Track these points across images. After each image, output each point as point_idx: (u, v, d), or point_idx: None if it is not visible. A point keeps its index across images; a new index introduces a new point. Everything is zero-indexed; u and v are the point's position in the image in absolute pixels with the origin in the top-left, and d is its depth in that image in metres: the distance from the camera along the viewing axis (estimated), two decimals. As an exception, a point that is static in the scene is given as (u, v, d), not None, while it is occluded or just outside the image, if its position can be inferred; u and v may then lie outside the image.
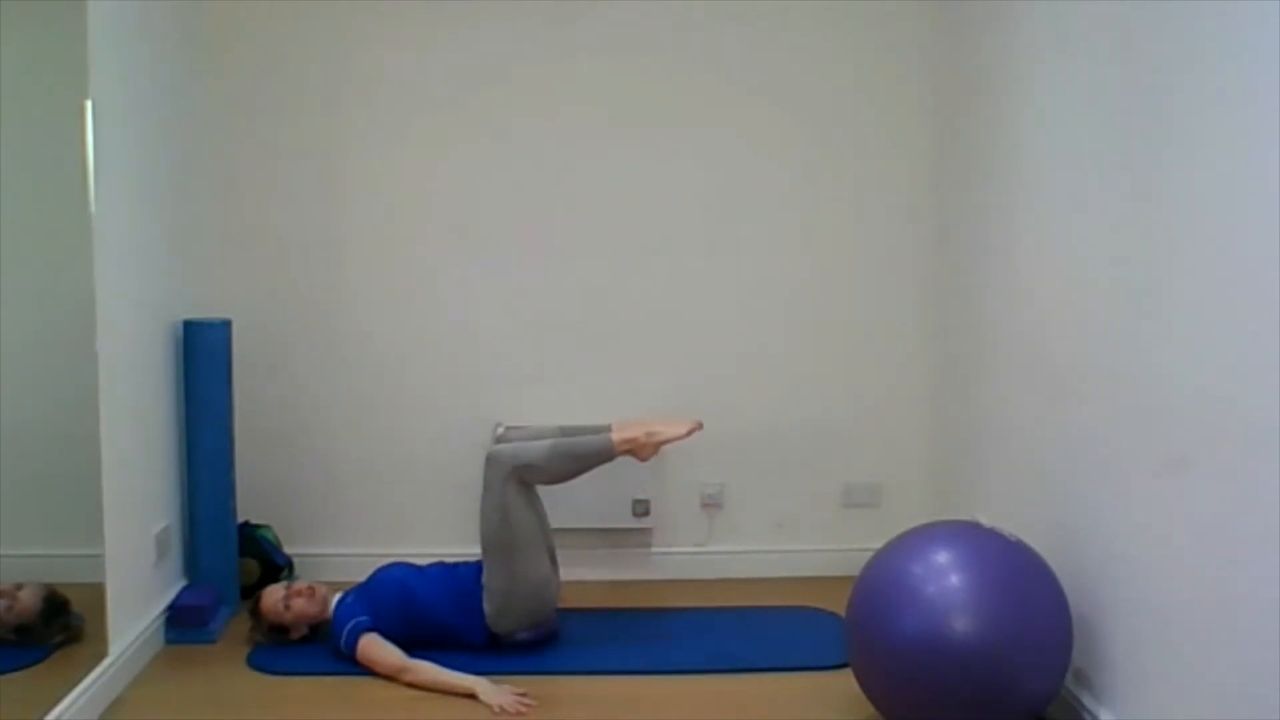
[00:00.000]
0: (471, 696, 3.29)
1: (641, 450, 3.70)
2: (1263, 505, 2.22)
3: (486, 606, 3.59)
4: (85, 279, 3.15)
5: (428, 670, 3.39)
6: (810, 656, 3.57)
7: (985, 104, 3.77)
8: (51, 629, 3.05)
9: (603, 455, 3.65)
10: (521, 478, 3.59)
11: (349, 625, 3.50)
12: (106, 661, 3.25)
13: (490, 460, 3.62)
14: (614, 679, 3.45)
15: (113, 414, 3.27)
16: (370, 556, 3.89)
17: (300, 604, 3.61)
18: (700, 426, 3.76)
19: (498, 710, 3.22)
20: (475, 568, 3.68)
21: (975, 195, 3.88)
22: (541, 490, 3.72)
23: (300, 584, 3.68)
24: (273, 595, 3.65)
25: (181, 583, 3.90)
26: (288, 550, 4.16)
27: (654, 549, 4.33)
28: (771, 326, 4.30)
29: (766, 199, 4.25)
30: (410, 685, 3.37)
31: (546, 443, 3.63)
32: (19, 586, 2.96)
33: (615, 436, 3.64)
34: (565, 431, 3.77)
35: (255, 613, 3.65)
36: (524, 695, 3.28)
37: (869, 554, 3.12)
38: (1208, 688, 2.45)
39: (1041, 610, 2.86)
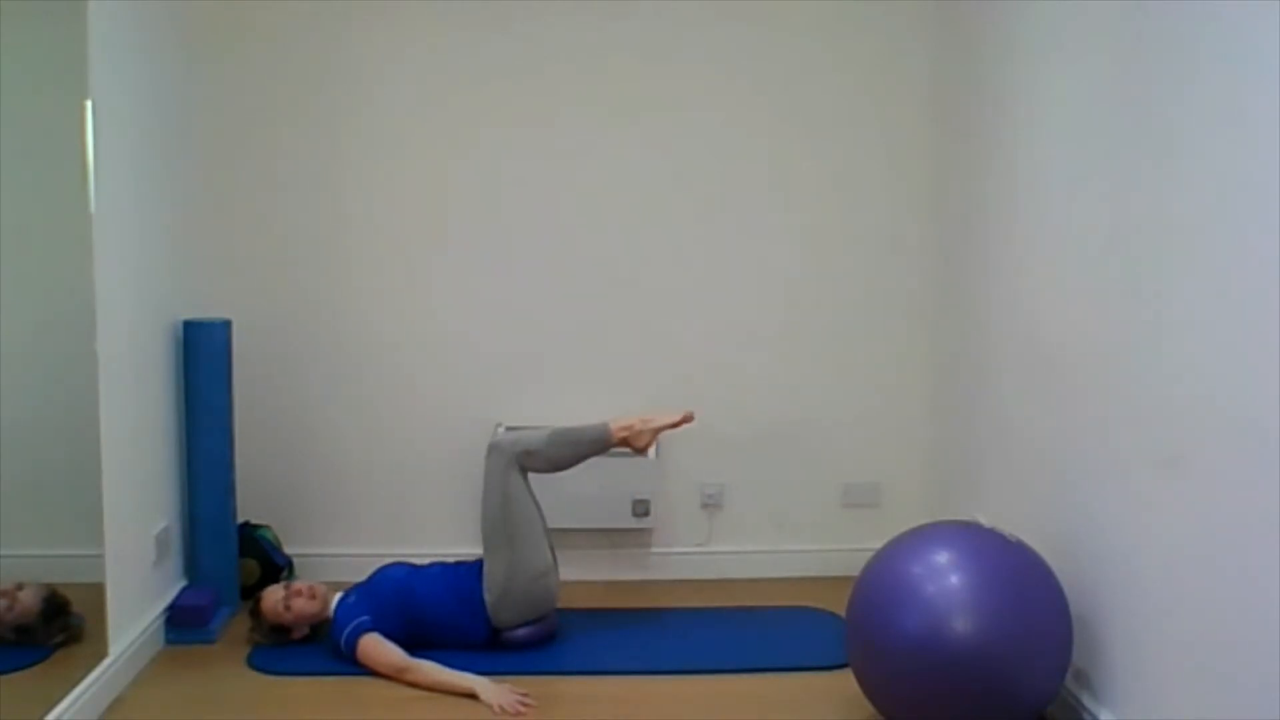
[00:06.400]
0: (472, 696, 3.29)
1: (638, 439, 3.74)
2: (1263, 505, 2.22)
3: (487, 596, 3.61)
4: (85, 279, 3.16)
5: (428, 670, 3.39)
6: (810, 656, 3.57)
7: (985, 102, 3.77)
8: (51, 629, 3.05)
9: (600, 442, 3.69)
10: (523, 465, 3.64)
11: (349, 626, 3.50)
12: (106, 661, 3.25)
13: (492, 449, 3.66)
14: (614, 679, 3.45)
15: (113, 414, 3.27)
16: (370, 556, 3.89)
17: (301, 604, 3.61)
18: (692, 416, 3.80)
19: (498, 710, 3.23)
20: (475, 566, 3.69)
21: (975, 196, 3.88)
22: (543, 490, 3.73)
23: (300, 584, 3.68)
24: (273, 596, 3.65)
25: (181, 583, 3.90)
26: (288, 550, 4.16)
27: (654, 549, 4.33)
28: (771, 327, 4.30)
29: (766, 200, 4.25)
30: (411, 685, 3.38)
31: (546, 431, 3.68)
32: (19, 586, 2.96)
33: (613, 425, 3.69)
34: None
35: (256, 613, 3.65)
36: (525, 695, 3.29)
37: (869, 554, 3.12)
38: (1208, 688, 2.45)
39: (1041, 610, 2.87)
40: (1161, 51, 2.63)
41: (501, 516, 3.62)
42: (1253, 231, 2.26)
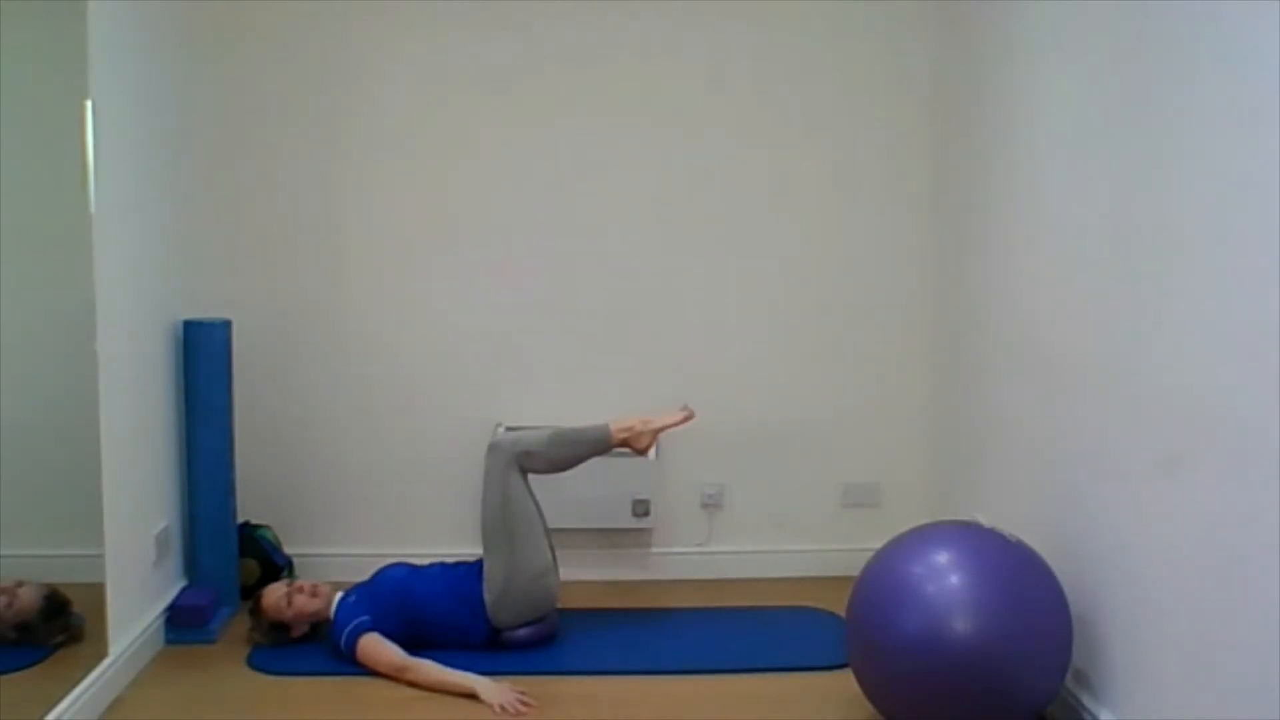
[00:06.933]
0: (472, 696, 3.29)
1: (638, 440, 3.75)
2: (1262, 504, 2.22)
3: (487, 596, 3.61)
4: (85, 279, 3.15)
5: (428, 669, 3.39)
6: (810, 656, 3.57)
7: (985, 102, 3.77)
8: (52, 628, 3.05)
9: (600, 443, 3.70)
10: (522, 465, 3.64)
11: (349, 625, 3.50)
12: (106, 661, 3.25)
13: (492, 448, 3.66)
14: (614, 679, 3.45)
15: (113, 414, 3.27)
16: (370, 556, 3.89)
17: (302, 601, 3.62)
18: (692, 414, 3.81)
19: (498, 710, 3.22)
20: (475, 567, 3.69)
21: (974, 195, 3.88)
22: (543, 490, 3.73)
23: (303, 582, 3.70)
24: (274, 593, 3.65)
25: (181, 583, 3.90)
26: (288, 550, 4.16)
27: (654, 549, 4.33)
28: (771, 327, 4.30)
29: (765, 199, 4.25)
30: (411, 684, 3.37)
31: (546, 431, 3.69)
32: (19, 584, 2.97)
33: (613, 426, 3.70)
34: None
35: (256, 611, 3.65)
36: (524, 694, 3.28)
37: (869, 554, 3.12)
38: (1208, 687, 2.45)
39: (1041, 610, 2.87)
40: (1161, 51, 2.63)
41: (501, 516, 3.62)
42: (1253, 231, 2.26)
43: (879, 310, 4.30)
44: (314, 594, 3.64)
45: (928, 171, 4.24)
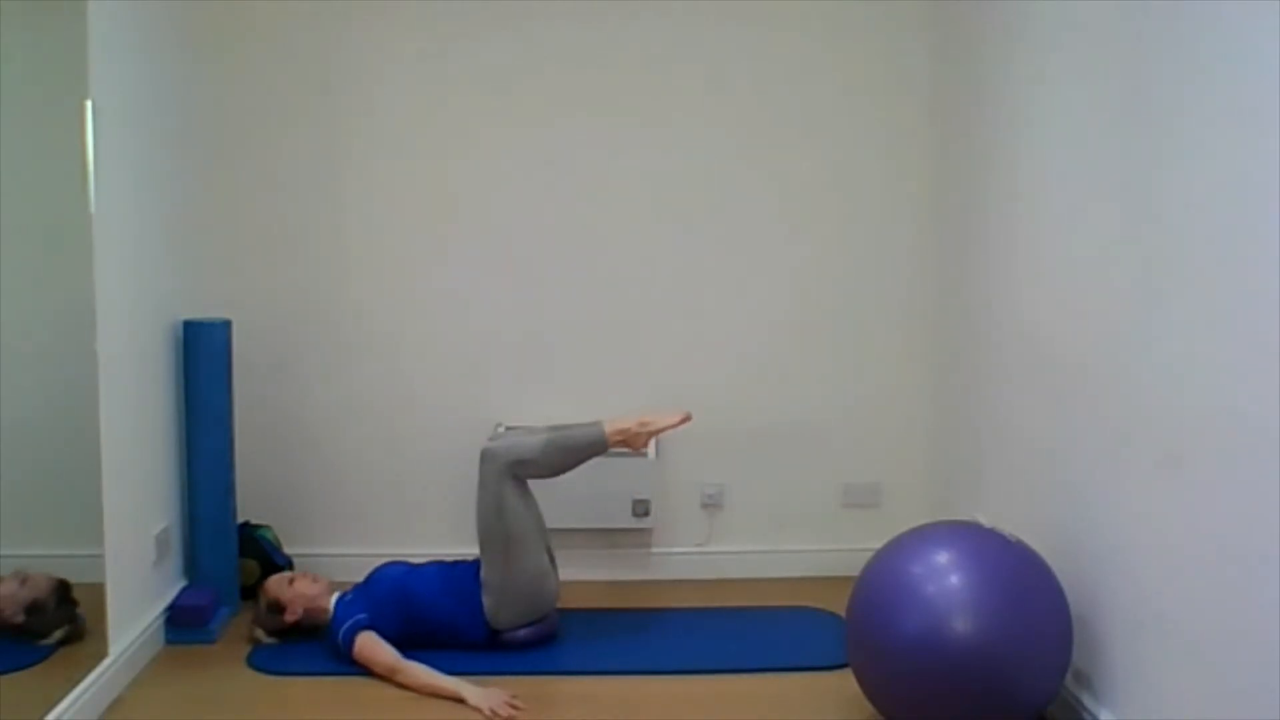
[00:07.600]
0: (460, 701, 3.27)
1: (634, 441, 3.72)
2: (1262, 504, 2.22)
3: (485, 601, 3.60)
4: (85, 279, 3.16)
5: (418, 672, 3.38)
6: (810, 656, 3.57)
7: (985, 102, 3.77)
8: (61, 613, 3.05)
9: (596, 446, 3.67)
10: (516, 473, 3.61)
11: (346, 624, 3.50)
12: (106, 661, 3.25)
13: (485, 456, 3.63)
14: (614, 679, 3.45)
15: (113, 414, 3.27)
16: (370, 556, 3.89)
17: (304, 584, 3.66)
18: (690, 417, 3.78)
19: (489, 713, 3.21)
20: (473, 566, 3.69)
21: (975, 195, 3.88)
22: (542, 490, 3.73)
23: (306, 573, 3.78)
24: (279, 576, 3.75)
25: (181, 583, 3.90)
26: (288, 550, 4.16)
27: (654, 549, 4.33)
28: (771, 326, 4.30)
29: (765, 199, 4.25)
30: (401, 686, 3.37)
31: (540, 437, 3.65)
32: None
33: (608, 428, 3.67)
34: (557, 429, 3.76)
35: (258, 590, 3.71)
36: (514, 697, 3.26)
37: (869, 554, 3.12)
38: (1207, 687, 2.45)
39: (1041, 610, 2.87)
40: (1161, 51, 2.63)
41: (497, 525, 3.60)
42: (1253, 231, 2.26)
43: (879, 310, 4.30)
44: (315, 580, 3.70)
45: (928, 171, 4.24)
